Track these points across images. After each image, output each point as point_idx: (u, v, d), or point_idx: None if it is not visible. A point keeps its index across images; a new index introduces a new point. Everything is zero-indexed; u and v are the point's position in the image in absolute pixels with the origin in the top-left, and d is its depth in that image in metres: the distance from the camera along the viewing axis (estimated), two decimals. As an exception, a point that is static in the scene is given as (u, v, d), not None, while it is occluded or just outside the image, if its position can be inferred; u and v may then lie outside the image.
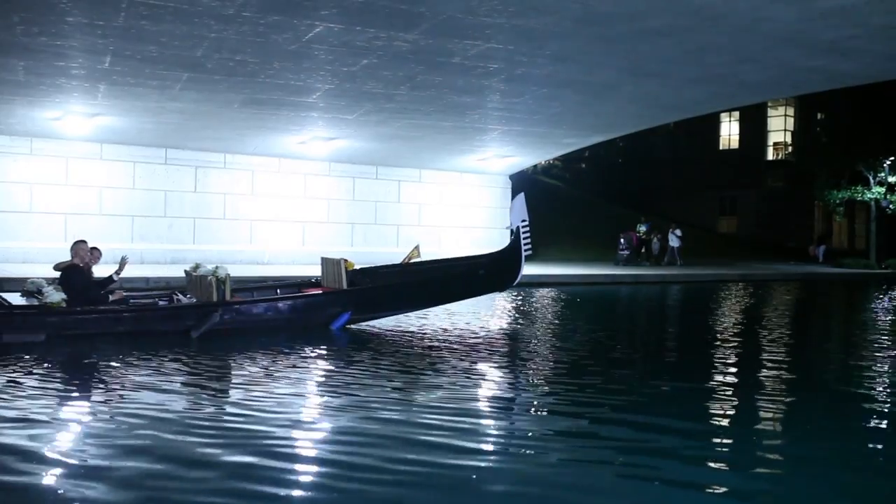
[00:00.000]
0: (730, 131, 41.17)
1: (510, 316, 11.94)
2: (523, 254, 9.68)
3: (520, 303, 13.55)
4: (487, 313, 11.88)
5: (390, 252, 19.33)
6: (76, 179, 16.89)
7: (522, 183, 25.53)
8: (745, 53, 10.94)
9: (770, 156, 40.36)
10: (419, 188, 21.55)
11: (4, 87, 12.80)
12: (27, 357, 6.98)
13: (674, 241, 26.23)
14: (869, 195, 32.31)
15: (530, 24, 9.84)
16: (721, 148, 41.51)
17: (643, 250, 26.43)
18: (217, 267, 8.89)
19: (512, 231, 9.77)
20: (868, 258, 31.92)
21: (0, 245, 15.88)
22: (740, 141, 40.79)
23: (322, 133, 16.94)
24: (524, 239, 9.62)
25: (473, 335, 9.48)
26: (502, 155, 20.11)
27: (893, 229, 33.81)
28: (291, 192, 19.49)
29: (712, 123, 39.92)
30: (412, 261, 10.75)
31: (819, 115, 38.77)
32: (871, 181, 32.15)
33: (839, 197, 33.52)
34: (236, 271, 14.49)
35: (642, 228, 26.66)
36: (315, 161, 19.42)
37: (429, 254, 18.15)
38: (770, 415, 6.02)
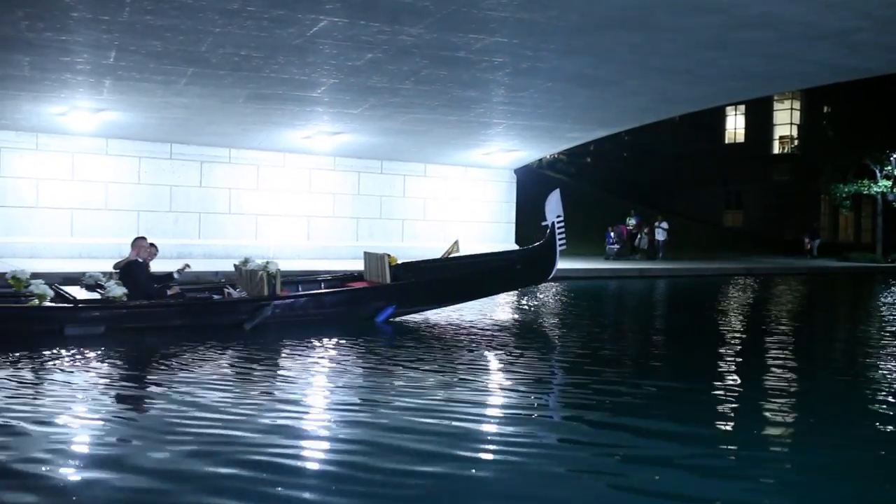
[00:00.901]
0: (735, 125, 41.04)
1: (527, 311, 11.96)
2: (558, 249, 10.04)
3: (531, 299, 13.50)
4: (505, 309, 11.92)
5: (395, 247, 19.28)
6: (82, 175, 16.93)
7: (528, 177, 25.51)
8: (751, 47, 10.89)
9: (776, 149, 40.23)
10: (424, 183, 21.53)
11: (10, 83, 12.82)
12: (88, 349, 7.21)
13: (660, 235, 25.86)
14: (875, 189, 32.19)
15: (535, 18, 9.81)
16: (727, 142, 41.39)
17: (633, 244, 26.03)
18: (268, 262, 9.11)
19: (547, 226, 10.08)
20: (874, 252, 31.81)
21: (7, 240, 15.93)
22: (746, 135, 40.66)
23: (327, 128, 16.94)
24: (559, 234, 9.98)
25: (505, 329, 9.86)
26: (507, 149, 20.08)
27: (900, 223, 33.65)
28: (296, 187, 19.50)
29: (718, 117, 39.79)
30: (451, 255, 11.05)
31: (825, 109, 38.59)
32: (878, 175, 32.03)
33: (845, 191, 33.39)
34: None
35: (632, 221, 26.21)
36: (320, 156, 19.41)
37: (434, 249, 18.12)
38: (778, 416, 6.00)
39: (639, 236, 26.16)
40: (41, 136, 16.32)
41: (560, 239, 9.99)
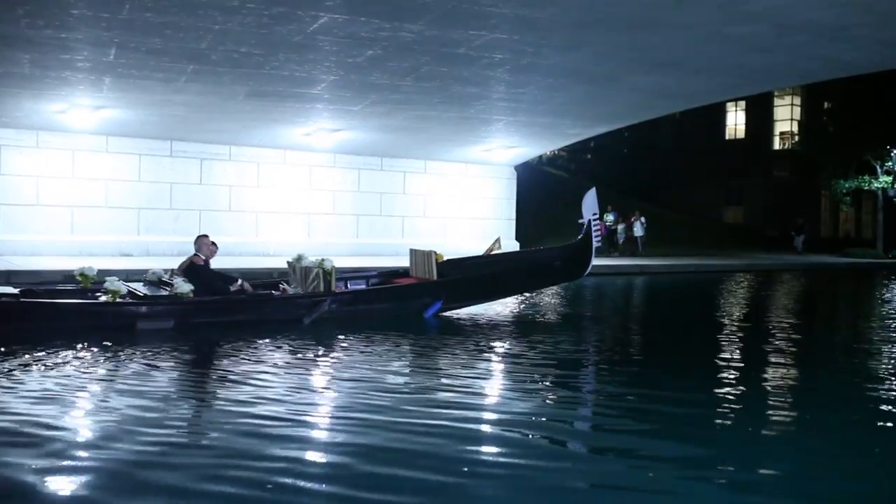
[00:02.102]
0: (736, 121, 41.00)
1: (543, 307, 12.01)
2: (594, 246, 10.44)
3: (536, 295, 13.45)
4: (530, 305, 12.00)
5: (396, 243, 19.34)
6: (82, 172, 16.92)
7: (528, 174, 25.46)
8: (752, 43, 10.88)
9: (776, 145, 40.20)
10: (424, 179, 21.52)
11: (10, 81, 12.82)
12: (160, 342, 7.55)
13: (638, 230, 25.69)
14: (876, 184, 32.20)
15: (535, 14, 9.81)
16: (727, 138, 41.35)
17: (612, 240, 25.74)
18: (322, 259, 9.33)
19: (584, 224, 10.43)
20: (874, 247, 31.82)
21: (8, 238, 15.93)
22: (746, 130, 40.62)
23: (327, 124, 16.94)
24: (595, 232, 10.37)
25: (538, 324, 10.18)
26: (507, 146, 20.07)
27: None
28: (297, 184, 19.49)
29: (718, 113, 39.74)
30: (493, 252, 11.41)
31: (826, 105, 38.57)
32: (878, 170, 32.01)
33: (846, 187, 33.38)
34: (243, 263, 14.53)
35: (610, 217, 25.98)
36: (320, 153, 19.40)
37: (435, 245, 18.12)
38: (782, 411, 5.99)
39: (618, 231, 25.98)
40: (41, 133, 16.31)
41: (596, 236, 10.36)
